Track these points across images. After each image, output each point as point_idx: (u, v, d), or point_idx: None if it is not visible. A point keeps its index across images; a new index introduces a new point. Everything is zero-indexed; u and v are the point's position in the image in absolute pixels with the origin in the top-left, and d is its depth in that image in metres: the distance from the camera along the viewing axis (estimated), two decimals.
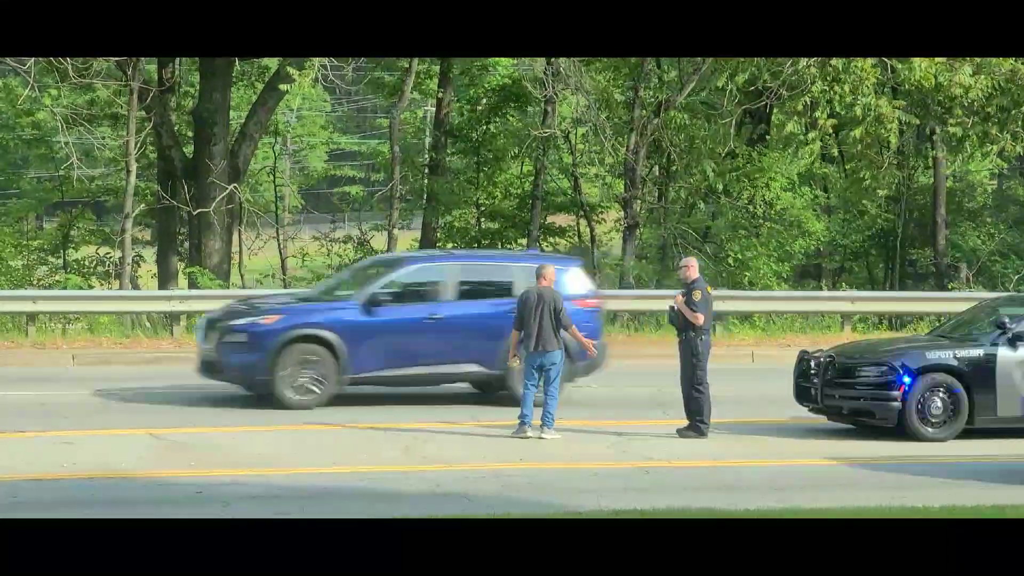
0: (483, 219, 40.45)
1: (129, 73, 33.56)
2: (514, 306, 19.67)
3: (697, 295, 19.24)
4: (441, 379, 22.09)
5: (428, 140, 45.02)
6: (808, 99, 33.66)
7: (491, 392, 22.07)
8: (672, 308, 19.53)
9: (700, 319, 19.17)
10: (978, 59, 33.01)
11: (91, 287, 35.71)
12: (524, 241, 38.56)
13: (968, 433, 19.22)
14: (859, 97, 33.27)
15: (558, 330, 19.19)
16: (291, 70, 32.57)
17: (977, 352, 19.54)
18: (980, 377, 19.32)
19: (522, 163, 40.26)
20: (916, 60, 32.71)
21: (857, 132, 34.52)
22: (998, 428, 19.36)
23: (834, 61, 32.73)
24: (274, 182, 47.02)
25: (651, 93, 36.75)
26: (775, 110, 37.75)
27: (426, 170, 40.55)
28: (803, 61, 32.75)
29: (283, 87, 33.77)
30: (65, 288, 34.07)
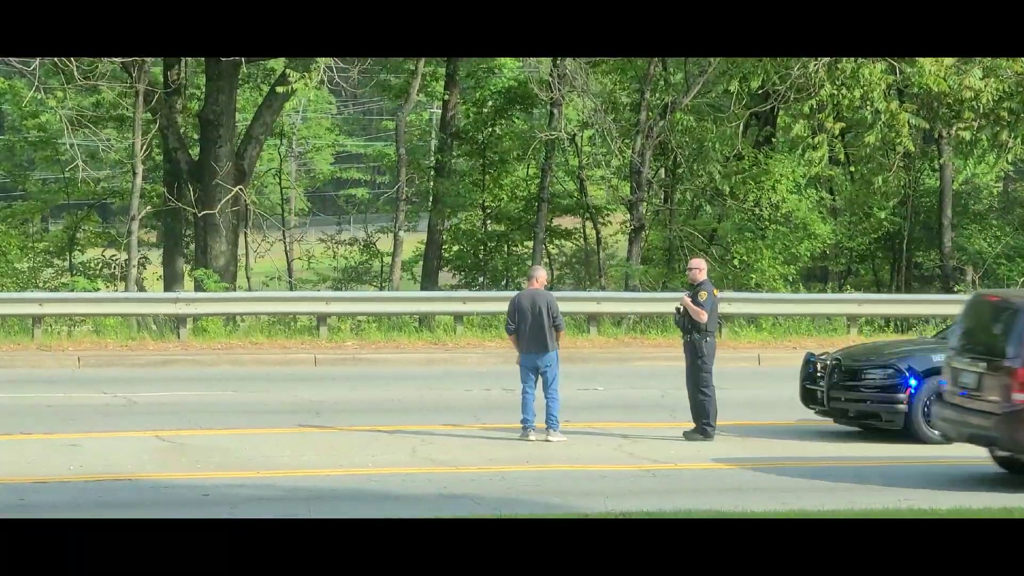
0: (489, 221, 40.43)
1: (135, 75, 33.55)
2: None
3: (703, 295, 19.23)
4: None
5: (434, 142, 45.01)
6: (815, 102, 33.56)
7: None
8: (677, 310, 19.52)
9: (704, 316, 19.14)
10: (987, 62, 32.92)
11: (97, 289, 35.70)
12: (530, 244, 38.54)
13: None
14: (868, 102, 33.14)
15: (552, 330, 19.10)
16: (292, 73, 32.45)
17: None
18: None
19: (528, 165, 40.22)
20: (923, 62, 32.58)
21: (871, 138, 34.40)
22: None
23: (843, 64, 32.61)
24: (280, 184, 47.04)
25: (657, 95, 36.71)
26: (781, 112, 37.67)
27: (432, 172, 40.53)
28: (812, 64, 32.66)
29: (282, 89, 33.58)
30: (71, 290, 34.06)
